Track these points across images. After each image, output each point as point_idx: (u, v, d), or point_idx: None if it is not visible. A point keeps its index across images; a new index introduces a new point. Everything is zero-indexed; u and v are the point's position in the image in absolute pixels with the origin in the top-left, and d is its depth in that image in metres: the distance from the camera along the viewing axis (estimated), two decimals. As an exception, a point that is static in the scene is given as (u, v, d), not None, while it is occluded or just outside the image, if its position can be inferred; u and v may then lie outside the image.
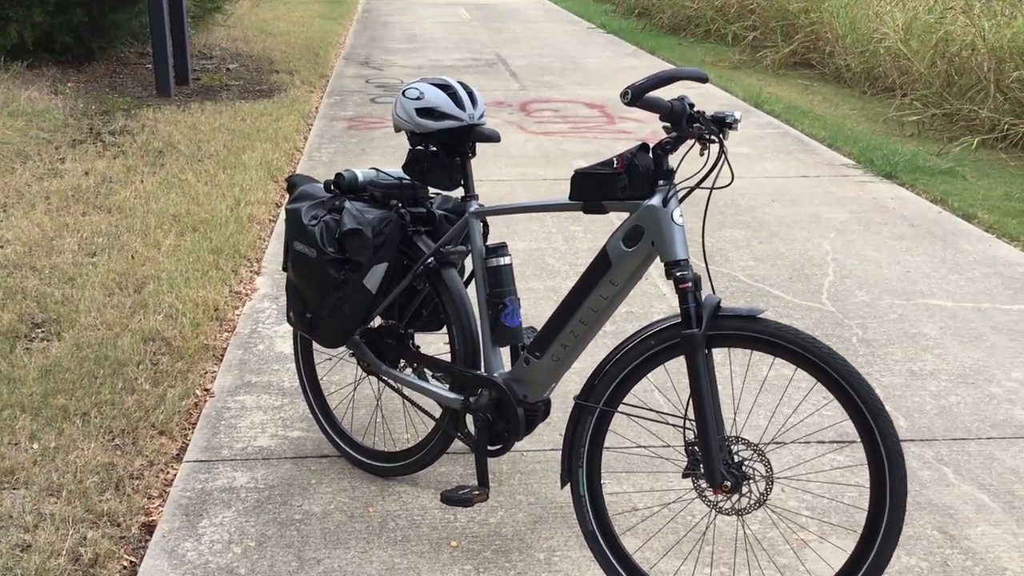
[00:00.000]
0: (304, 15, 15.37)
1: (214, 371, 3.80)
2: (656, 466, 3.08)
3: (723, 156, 2.30)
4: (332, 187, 2.93)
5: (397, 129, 2.84)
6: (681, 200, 2.39)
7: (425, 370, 3.01)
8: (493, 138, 2.77)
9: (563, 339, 2.56)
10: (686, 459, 2.42)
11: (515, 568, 2.64)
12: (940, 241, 5.39)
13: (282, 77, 10.02)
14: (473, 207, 2.78)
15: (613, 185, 2.42)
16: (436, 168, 2.79)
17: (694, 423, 2.35)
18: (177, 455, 3.22)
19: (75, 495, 2.91)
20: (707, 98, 9.30)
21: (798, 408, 3.39)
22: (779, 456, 3.12)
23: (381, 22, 15.73)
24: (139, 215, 5.45)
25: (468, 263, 2.94)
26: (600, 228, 5.38)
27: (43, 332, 4.01)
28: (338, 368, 3.59)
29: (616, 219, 2.46)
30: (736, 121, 2.33)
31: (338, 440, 3.18)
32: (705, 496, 2.40)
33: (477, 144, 2.82)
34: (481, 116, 2.79)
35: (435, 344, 3.36)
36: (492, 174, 6.61)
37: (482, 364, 2.79)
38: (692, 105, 2.32)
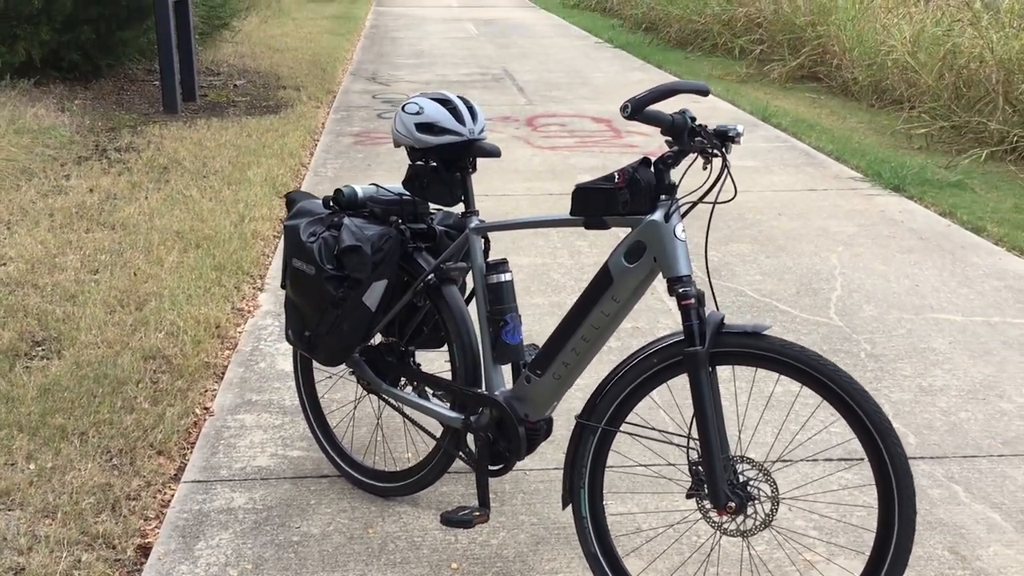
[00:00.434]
0: (312, 31, 15.40)
1: (214, 389, 3.76)
2: (660, 486, 3.02)
3: (726, 170, 2.26)
4: (331, 203, 2.90)
5: (397, 144, 2.81)
6: (684, 215, 2.36)
7: (426, 388, 2.97)
8: (493, 153, 2.73)
9: (564, 357, 2.52)
10: (690, 479, 2.38)
11: (516, 591, 2.59)
12: (949, 254, 5.33)
13: (289, 93, 10.02)
14: (473, 223, 2.74)
15: (615, 200, 2.38)
16: (436, 183, 2.76)
17: (698, 442, 2.31)
18: (175, 475, 3.18)
19: (70, 516, 2.87)
20: (714, 112, 9.27)
21: (805, 425, 3.34)
22: (785, 475, 3.07)
23: (389, 38, 15.76)
24: (143, 232, 5.43)
25: (469, 280, 2.90)
26: (606, 243, 5.34)
27: (43, 350, 3.98)
28: (339, 386, 3.55)
29: (620, 234, 2.40)
30: (739, 135, 2.30)
31: (338, 460, 3.14)
32: (709, 517, 2.35)
33: (478, 159, 2.78)
34: (482, 131, 2.75)
35: (436, 362, 3.32)
36: (498, 189, 6.58)
37: (483, 382, 2.75)
38: (694, 119, 2.29)
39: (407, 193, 2.87)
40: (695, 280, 2.29)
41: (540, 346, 2.83)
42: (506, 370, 2.75)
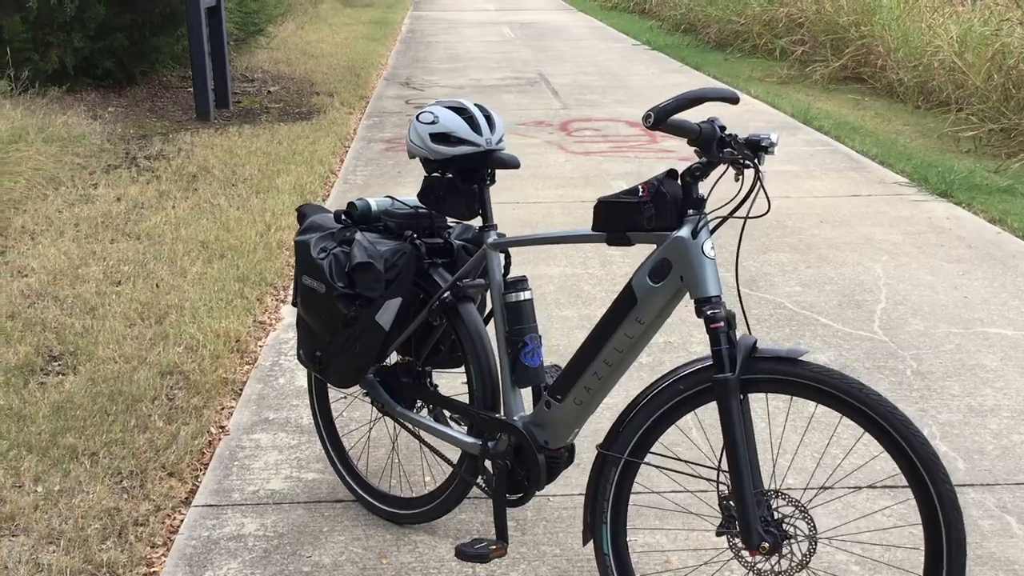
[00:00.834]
0: (348, 36, 15.37)
1: (231, 406, 3.65)
2: (689, 521, 2.85)
3: (759, 183, 2.10)
4: (343, 217, 2.76)
5: (412, 155, 2.67)
6: (713, 231, 2.19)
7: (443, 412, 2.83)
8: (512, 164, 2.59)
9: (586, 381, 2.36)
10: (720, 515, 2.21)
11: (536, 629, 2.43)
12: (1000, 264, 5.10)
13: (322, 99, 9.95)
14: (491, 238, 2.60)
15: (638, 215, 2.22)
16: (452, 196, 2.62)
17: (728, 475, 2.15)
18: (186, 499, 3.06)
19: (75, 543, 2.76)
20: (755, 114, 9.06)
21: (839, 448, 3.15)
22: (824, 507, 2.88)
23: (425, 42, 15.68)
24: (167, 242, 5.35)
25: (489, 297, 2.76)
26: (640, 252, 5.16)
27: (59, 365, 3.89)
28: (355, 404, 3.42)
29: (648, 248, 2.24)
30: (773, 144, 2.13)
31: (353, 484, 3.00)
32: (742, 557, 2.18)
33: (498, 171, 2.63)
34: (499, 141, 2.60)
35: (452, 382, 3.17)
36: (530, 196, 6.44)
37: (501, 406, 2.60)
38: (723, 127, 2.12)
39: (423, 206, 2.73)
40: (725, 300, 2.13)
41: (559, 365, 2.70)
42: (526, 394, 2.60)
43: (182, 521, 2.93)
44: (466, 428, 2.73)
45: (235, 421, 3.53)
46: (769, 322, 4.33)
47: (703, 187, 2.19)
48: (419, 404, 2.88)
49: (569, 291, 4.77)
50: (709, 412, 2.22)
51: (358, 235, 2.66)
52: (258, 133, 8.26)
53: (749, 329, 2.20)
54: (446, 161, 2.59)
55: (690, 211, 2.18)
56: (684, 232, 2.16)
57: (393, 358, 2.88)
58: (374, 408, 2.95)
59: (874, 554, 2.71)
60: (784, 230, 5.66)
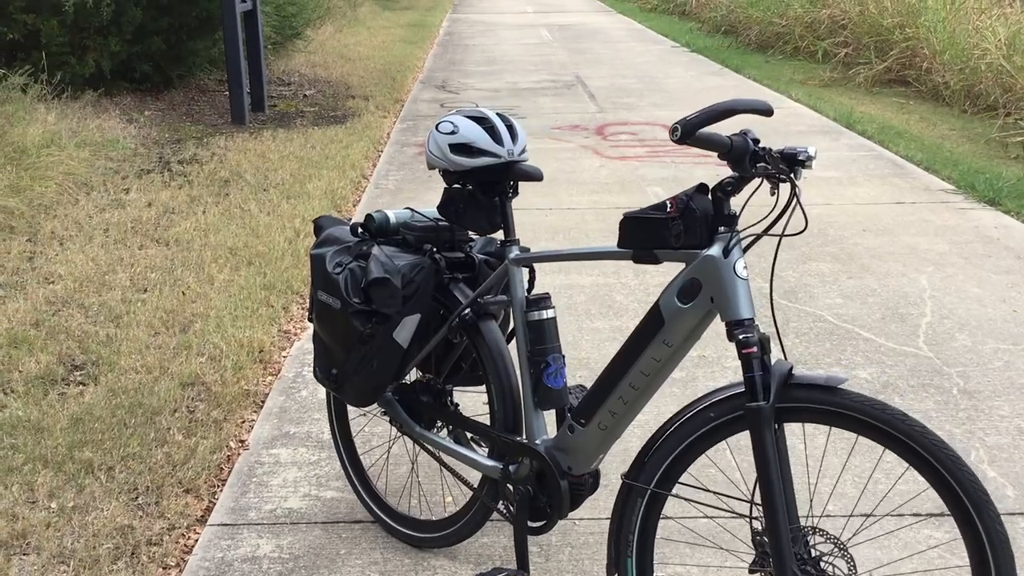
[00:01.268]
0: (386, 39, 15.34)
1: (252, 419, 3.57)
2: (720, 557, 2.71)
3: (795, 199, 1.97)
4: (360, 230, 2.66)
5: (431, 167, 2.57)
6: (746, 250, 2.07)
7: (464, 432, 2.72)
8: (535, 176, 2.48)
9: (611, 405, 2.24)
10: (753, 550, 2.08)
11: (557, 665, 2.32)
12: (1051, 276, 4.90)
13: (357, 103, 9.90)
14: (513, 253, 2.48)
15: (666, 231, 2.10)
16: (473, 209, 2.51)
17: (761, 509, 2.02)
18: (202, 516, 2.98)
19: (85, 564, 2.69)
20: (797, 118, 8.86)
21: (881, 480, 3.00)
22: (866, 543, 2.74)
23: (462, 45, 15.61)
24: (196, 248, 5.30)
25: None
26: (673, 265, 5.03)
27: (81, 375, 3.84)
28: (376, 420, 3.32)
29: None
30: (810, 159, 1.99)
31: (371, 504, 2.91)
32: (775, 596, 2.04)
33: (520, 183, 2.52)
34: (522, 152, 2.49)
35: (474, 401, 3.06)
36: (563, 202, 6.32)
37: (523, 429, 2.49)
38: (756, 140, 1.99)
39: (442, 218, 2.62)
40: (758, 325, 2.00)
41: (585, 386, 2.58)
42: (549, 416, 2.49)
43: (196, 541, 2.85)
44: (487, 450, 2.62)
45: (255, 435, 3.45)
46: (808, 336, 4.18)
47: (735, 203, 2.06)
48: (439, 424, 2.78)
49: (601, 301, 4.64)
50: (742, 438, 2.09)
51: (375, 249, 2.56)
52: (292, 137, 8.22)
53: (785, 354, 2.07)
54: (466, 173, 2.49)
55: (721, 228, 2.05)
56: (715, 250, 2.04)
57: (413, 375, 2.78)
58: (393, 427, 2.85)
59: (917, 589, 2.57)
60: (825, 239, 5.49)
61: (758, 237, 2.06)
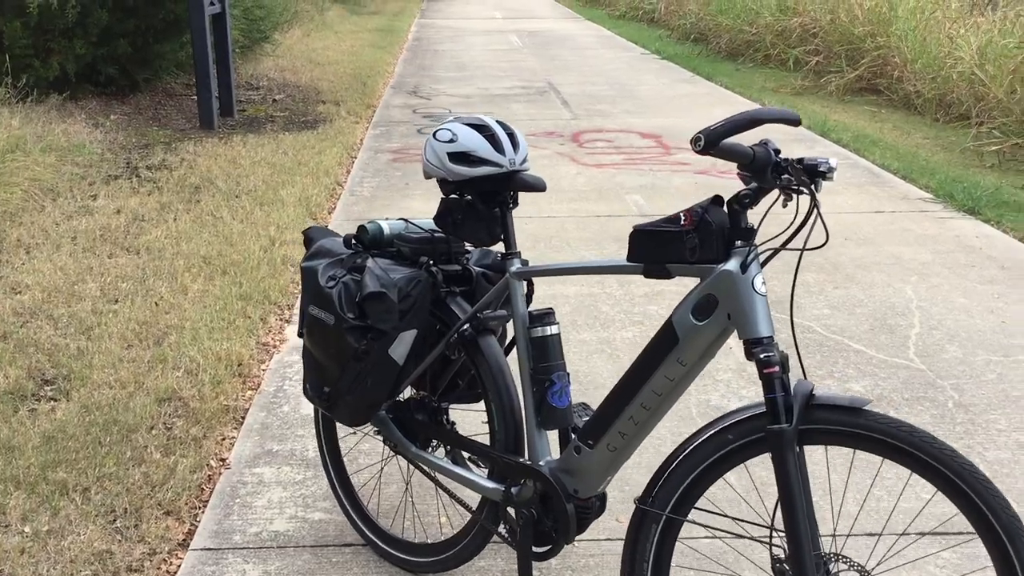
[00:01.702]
0: (354, 44, 15.19)
1: (232, 437, 3.44)
2: None
3: (816, 211, 1.90)
4: (354, 242, 2.56)
5: (428, 176, 2.47)
6: (763, 264, 1.99)
7: (461, 453, 2.62)
8: (537, 186, 2.38)
9: (621, 426, 2.15)
10: (771, 578, 2.00)
11: None
12: (1036, 286, 4.89)
13: (328, 108, 9.76)
14: (515, 266, 2.39)
15: (680, 245, 2.02)
16: (472, 220, 2.41)
17: (783, 536, 1.93)
18: (183, 540, 2.85)
19: (62, 593, 2.56)
20: (771, 126, 8.82)
21: (900, 501, 2.93)
22: (893, 566, 2.67)
23: (432, 50, 15.49)
24: (168, 257, 5.15)
25: (509, 326, 2.55)
26: (679, 282, 4.96)
27: (52, 390, 3.69)
28: (366, 438, 3.20)
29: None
30: (832, 170, 1.93)
31: (362, 526, 2.79)
32: (796, 626, 1.96)
33: (520, 193, 2.43)
34: (523, 161, 2.40)
35: (470, 418, 2.96)
36: (543, 210, 6.23)
37: (525, 449, 2.39)
38: (778, 151, 1.92)
39: (439, 229, 2.52)
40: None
41: (588, 404, 2.49)
42: (552, 435, 2.39)
43: (179, 567, 2.72)
44: (486, 471, 2.52)
45: (236, 453, 3.33)
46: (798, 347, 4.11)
47: (751, 215, 1.98)
48: (434, 443, 2.67)
49: (587, 312, 4.56)
50: (760, 460, 2.01)
51: (370, 262, 2.45)
52: (263, 143, 8.07)
53: (804, 373, 1.99)
54: (465, 182, 2.39)
55: (738, 242, 1.97)
56: (732, 265, 1.96)
57: (406, 392, 2.67)
58: (386, 447, 2.74)
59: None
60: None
61: (776, 251, 1.99)
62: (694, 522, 2.06)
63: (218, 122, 8.83)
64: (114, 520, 2.90)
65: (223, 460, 3.29)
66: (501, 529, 2.46)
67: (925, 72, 9.82)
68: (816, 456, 3.05)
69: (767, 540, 1.99)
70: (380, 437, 2.71)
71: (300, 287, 2.60)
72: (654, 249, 2.07)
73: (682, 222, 2.02)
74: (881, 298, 4.73)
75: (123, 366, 3.87)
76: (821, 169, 1.92)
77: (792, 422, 1.88)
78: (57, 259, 5.04)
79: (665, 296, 4.70)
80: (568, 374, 2.34)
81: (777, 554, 1.97)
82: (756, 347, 1.93)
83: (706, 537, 2.68)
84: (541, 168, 7.31)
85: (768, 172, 1.89)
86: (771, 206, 1.96)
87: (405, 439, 2.63)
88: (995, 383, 3.81)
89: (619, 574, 2.11)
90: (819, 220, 1.90)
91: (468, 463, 2.62)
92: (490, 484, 2.44)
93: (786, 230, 1.95)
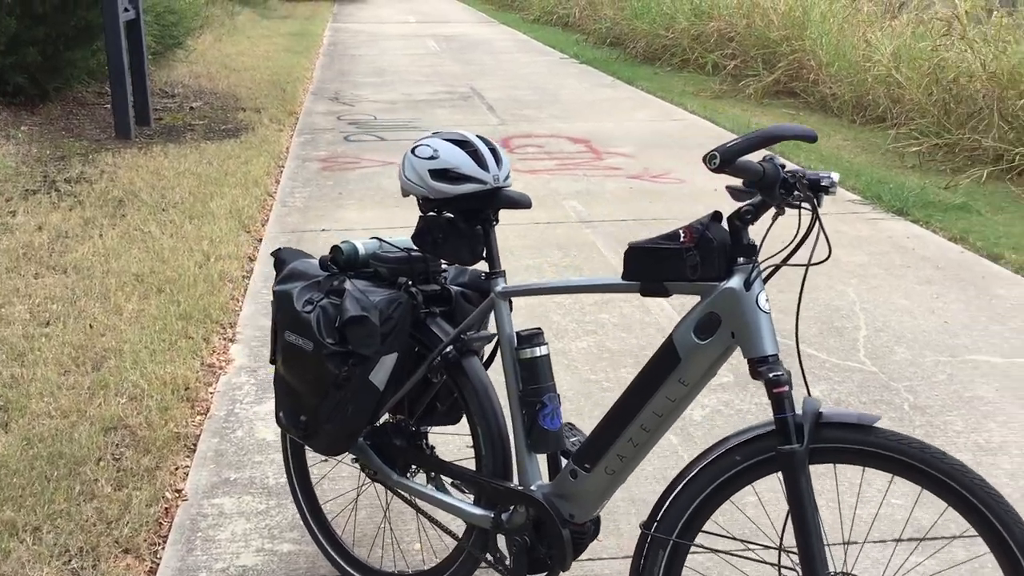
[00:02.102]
0: (269, 49, 14.90)
1: (186, 466, 3.29)
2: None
3: (819, 225, 1.89)
4: (330, 263, 2.45)
5: (405, 194, 2.38)
6: (765, 281, 1.97)
7: (443, 478, 2.54)
8: (523, 203, 2.32)
9: (619, 449, 2.11)
10: (779, 598, 1.97)
11: None
12: (971, 286, 5.00)
13: (249, 115, 9.53)
14: (500, 286, 2.32)
15: (680, 263, 1.98)
16: (454, 238, 2.33)
17: (791, 556, 1.91)
18: (146, 580, 2.71)
19: (22, 644, 2.40)
20: (697, 130, 8.94)
21: (918, 526, 2.95)
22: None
23: (348, 55, 15.28)
24: (98, 275, 4.94)
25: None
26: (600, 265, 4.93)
27: (-13, 423, 3.49)
28: (336, 464, 3.09)
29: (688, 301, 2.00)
30: (834, 184, 1.92)
31: (337, 558, 2.69)
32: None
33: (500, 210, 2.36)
34: (507, 177, 2.33)
35: (448, 439, 2.88)
36: (480, 219, 6.14)
37: (515, 474, 2.33)
38: (783, 166, 1.89)
39: (414, 248, 2.44)
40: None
41: (573, 424, 2.44)
42: (540, 459, 2.33)
43: (144, 609, 2.58)
44: (472, 498, 2.44)
45: (192, 483, 3.18)
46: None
47: (752, 231, 1.96)
48: (413, 468, 2.58)
49: (537, 323, 4.47)
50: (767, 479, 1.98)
51: (348, 284, 2.36)
52: (185, 152, 7.83)
53: (808, 390, 1.97)
54: (448, 200, 2.31)
55: (740, 259, 1.95)
56: (735, 283, 1.93)
57: (382, 420, 2.58)
58: (363, 474, 2.64)
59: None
60: (748, 252, 5.48)
61: (778, 267, 1.98)
62: (702, 546, 2.03)
63: (135, 131, 8.53)
64: (69, 561, 2.75)
65: (179, 491, 3.14)
66: (491, 557, 2.39)
67: (841, 75, 10.04)
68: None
69: (776, 563, 1.96)
70: (357, 465, 2.61)
71: (273, 311, 2.48)
72: (652, 266, 2.03)
73: (682, 239, 1.98)
74: (825, 301, 4.79)
75: (62, 394, 3.68)
76: (824, 184, 1.91)
77: (804, 442, 1.86)
78: (-21, 280, 4.79)
79: (615, 304, 4.69)
80: (559, 396, 2.28)
81: (787, 575, 1.95)
82: (762, 366, 1.91)
83: (702, 552, 2.65)
84: (475, 175, 7.24)
85: (776, 188, 1.86)
86: (772, 223, 1.93)
87: (386, 466, 2.53)
88: (947, 384, 3.88)
89: (624, 601, 2.06)
90: (822, 235, 1.90)
91: (447, 489, 2.54)
92: (478, 511, 2.37)
93: (788, 246, 1.94)
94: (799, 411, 1.89)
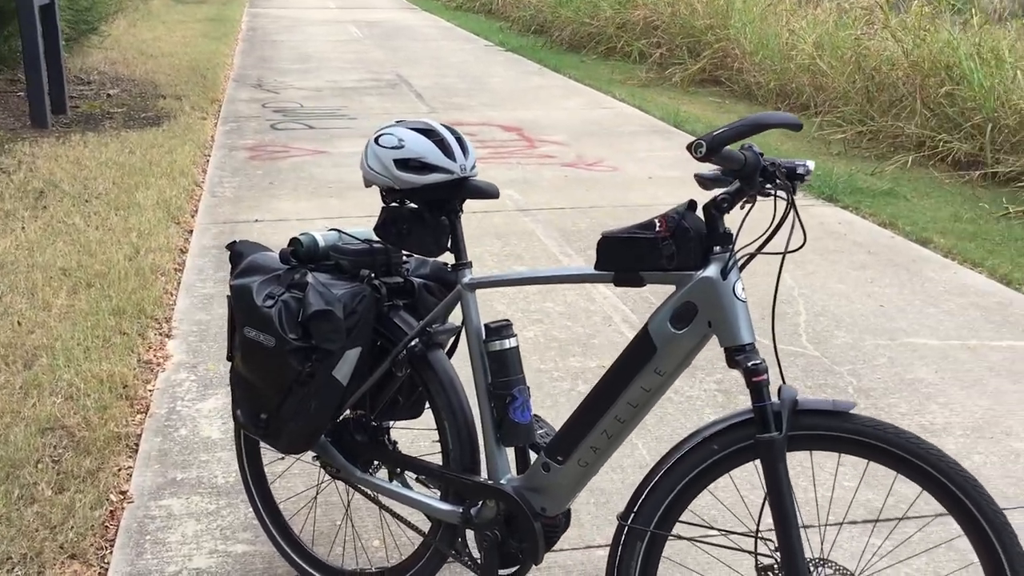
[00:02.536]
0: (186, 35, 14.52)
1: (129, 467, 3.18)
2: None
3: (795, 213, 1.89)
4: (290, 256, 2.38)
5: (368, 184, 2.32)
6: (741, 269, 1.97)
7: (407, 474, 2.49)
8: (491, 193, 2.28)
9: (593, 441, 2.08)
10: (756, 585, 1.98)
11: None
12: (903, 270, 5.12)
13: (170, 103, 9.27)
14: (467, 277, 2.28)
15: (656, 253, 1.96)
16: (419, 229, 2.29)
17: (768, 544, 1.92)
18: (95, 586, 2.61)
19: (-33, 659, 2.28)
20: (626, 119, 8.98)
21: (897, 508, 2.99)
22: (879, 569, 2.70)
23: (269, 41, 14.98)
24: (22, 270, 4.74)
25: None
26: (541, 252, 4.91)
27: (-87, 427, 3.32)
28: (291, 461, 3.02)
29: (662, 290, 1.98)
30: (809, 172, 1.93)
31: (295, 557, 2.62)
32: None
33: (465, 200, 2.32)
34: (473, 167, 2.29)
35: (407, 434, 2.83)
36: (416, 208, 6.08)
37: (483, 468, 2.29)
38: (761, 154, 1.89)
39: (376, 240, 2.38)
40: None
41: (540, 416, 2.41)
42: (509, 452, 2.30)
43: (96, 617, 2.48)
44: (439, 493, 2.40)
45: (137, 485, 3.07)
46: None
47: (727, 220, 1.96)
48: (375, 464, 2.53)
49: (482, 312, 4.45)
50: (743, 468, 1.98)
51: (310, 277, 2.29)
52: (105, 141, 7.58)
53: (783, 378, 1.97)
54: (411, 191, 2.26)
55: (716, 248, 1.94)
56: (712, 272, 1.93)
57: (342, 416, 2.52)
58: (324, 471, 2.57)
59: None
60: (686, 239, 5.52)
61: (753, 255, 1.98)
62: (680, 536, 2.02)
63: (51, 120, 8.23)
64: (12, 568, 2.63)
65: (124, 493, 3.03)
66: (458, 552, 2.35)
67: (765, 64, 10.18)
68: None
69: (752, 551, 1.96)
70: (317, 462, 2.55)
71: (229, 307, 2.40)
72: (626, 256, 2.01)
73: (657, 228, 1.96)
74: (763, 286, 4.84)
75: (-7, 394, 3.53)
76: (799, 172, 1.92)
77: (783, 430, 1.86)
78: None
79: (558, 292, 4.67)
80: (528, 388, 2.25)
81: (764, 562, 1.95)
82: (739, 355, 1.91)
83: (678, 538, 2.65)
84: (408, 164, 7.16)
85: (756, 176, 1.86)
86: (747, 212, 1.93)
87: (349, 464, 2.47)
88: (888, 367, 3.95)
89: (602, 594, 2.05)
90: (797, 222, 1.90)
91: (414, 485, 2.50)
92: (446, 506, 2.33)
93: (763, 234, 1.95)
94: (775, 399, 1.90)
